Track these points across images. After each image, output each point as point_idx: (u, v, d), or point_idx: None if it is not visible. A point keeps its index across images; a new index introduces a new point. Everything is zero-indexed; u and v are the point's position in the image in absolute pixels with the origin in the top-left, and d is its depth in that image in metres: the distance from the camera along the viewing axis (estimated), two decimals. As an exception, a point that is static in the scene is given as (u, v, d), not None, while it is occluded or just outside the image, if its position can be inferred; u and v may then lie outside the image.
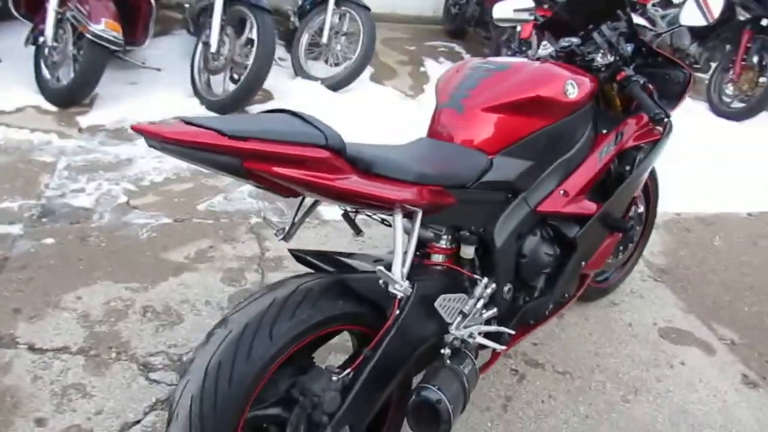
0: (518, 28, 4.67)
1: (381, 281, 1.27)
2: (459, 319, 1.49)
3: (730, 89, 4.86)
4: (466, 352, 1.50)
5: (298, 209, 1.54)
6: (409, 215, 1.36)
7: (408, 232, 1.37)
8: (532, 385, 2.01)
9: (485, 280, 1.54)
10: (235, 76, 3.86)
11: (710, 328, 2.39)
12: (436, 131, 1.63)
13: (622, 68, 1.77)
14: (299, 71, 4.41)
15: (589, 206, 1.71)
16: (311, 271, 1.47)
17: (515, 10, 2.08)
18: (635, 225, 2.16)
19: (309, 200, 1.56)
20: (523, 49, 4.74)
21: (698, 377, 2.13)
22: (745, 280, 2.75)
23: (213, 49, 3.72)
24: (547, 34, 2.04)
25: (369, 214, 1.59)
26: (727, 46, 4.95)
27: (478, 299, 1.53)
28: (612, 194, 1.77)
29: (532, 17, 2.11)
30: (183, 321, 2.11)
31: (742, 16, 4.63)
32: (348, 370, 1.30)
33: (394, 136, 3.53)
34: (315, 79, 4.33)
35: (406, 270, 1.28)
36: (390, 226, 1.80)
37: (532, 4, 2.08)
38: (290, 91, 4.15)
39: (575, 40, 1.84)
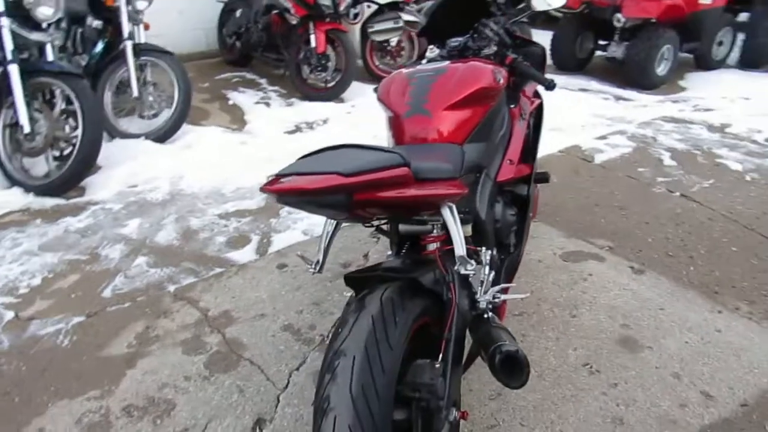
0: (312, 44, 4.96)
1: (457, 266, 1.45)
2: (480, 287, 1.72)
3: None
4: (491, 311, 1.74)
5: (323, 237, 1.63)
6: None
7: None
8: (506, 332, 2.32)
9: (483, 249, 1.79)
10: (56, 153, 3.52)
11: (590, 243, 2.96)
12: (408, 138, 1.80)
13: (507, 53, 2.14)
14: (114, 132, 4.13)
15: (525, 168, 2.06)
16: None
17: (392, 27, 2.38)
18: None
19: (330, 228, 1.66)
20: (322, 62, 5.05)
21: (605, 281, 2.66)
22: (589, 200, 3.42)
23: (27, 129, 3.33)
24: (425, 39, 2.35)
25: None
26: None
27: (485, 266, 1.78)
28: (530, 154, 2.15)
29: (401, 30, 2.43)
30: (176, 404, 2.00)
31: None
32: (440, 356, 1.46)
33: (250, 171, 3.59)
34: (135, 136, 4.11)
35: (465, 253, 1.48)
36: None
37: (402, 23, 2.40)
38: (116, 154, 3.88)
39: (462, 39, 2.17)
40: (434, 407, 1.40)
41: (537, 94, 2.40)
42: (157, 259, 2.85)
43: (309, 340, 2.30)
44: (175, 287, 2.64)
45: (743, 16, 6.64)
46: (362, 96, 5.27)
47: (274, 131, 4.50)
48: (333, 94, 5.19)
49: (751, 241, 3.01)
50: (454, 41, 2.17)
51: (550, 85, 2.06)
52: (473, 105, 1.82)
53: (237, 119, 4.80)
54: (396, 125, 1.85)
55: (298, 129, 4.61)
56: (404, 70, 1.98)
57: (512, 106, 2.13)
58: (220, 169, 3.78)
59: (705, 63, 6.41)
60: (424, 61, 2.22)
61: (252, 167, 3.82)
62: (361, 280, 1.54)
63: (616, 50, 5.83)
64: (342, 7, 4.97)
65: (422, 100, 1.80)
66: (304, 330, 2.35)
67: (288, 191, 1.16)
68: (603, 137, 4.40)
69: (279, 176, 1.24)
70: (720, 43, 6.41)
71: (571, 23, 6.14)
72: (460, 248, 1.46)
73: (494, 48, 2.15)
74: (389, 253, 1.96)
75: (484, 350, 1.59)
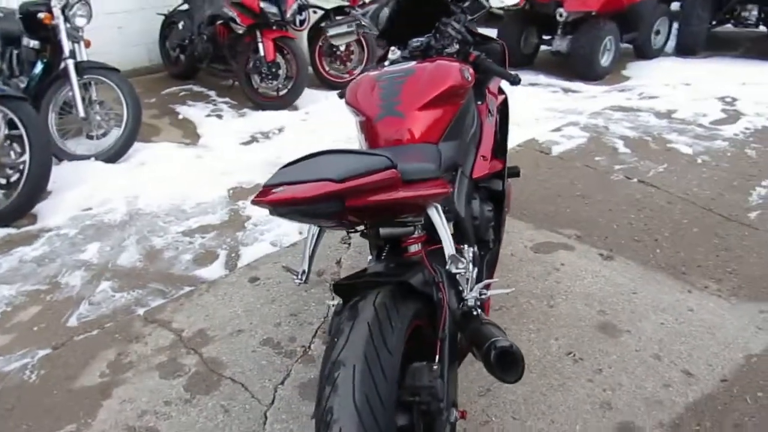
0: (261, 53, 4.88)
1: (449, 265, 1.44)
2: (466, 285, 1.72)
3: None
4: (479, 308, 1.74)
5: (308, 246, 1.59)
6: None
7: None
8: (487, 328, 2.33)
9: (465, 247, 1.79)
10: (3, 181, 3.35)
11: (558, 233, 3.01)
12: (383, 140, 1.78)
13: (470, 51, 2.15)
14: (61, 155, 3.95)
15: (498, 164, 2.07)
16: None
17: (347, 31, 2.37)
18: None
19: (313, 234, 1.62)
20: (273, 69, 4.97)
21: (578, 269, 2.70)
22: (551, 192, 3.48)
23: (-31, 158, 3.16)
24: (377, 42, 2.34)
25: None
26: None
27: (468, 263, 1.77)
28: (500, 149, 2.16)
29: (356, 33, 2.42)
30: (159, 431, 1.92)
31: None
32: (436, 357, 1.44)
33: (209, 186, 3.50)
34: (84, 157, 3.96)
35: (455, 252, 1.47)
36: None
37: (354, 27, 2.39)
38: (66, 178, 3.70)
39: (424, 39, 2.16)
40: (435, 410, 1.38)
41: (501, 90, 2.42)
42: (121, 282, 2.74)
43: (291, 352, 2.24)
44: (145, 310, 2.54)
45: (675, 5, 6.93)
46: (315, 102, 5.23)
47: (230, 143, 4.40)
48: (286, 102, 5.12)
49: (710, 221, 3.12)
50: (416, 41, 2.16)
51: (515, 80, 2.08)
52: (444, 104, 1.82)
53: (189, 133, 4.68)
54: (368, 128, 1.82)
55: (253, 139, 4.52)
56: (371, 73, 1.96)
57: (479, 102, 2.13)
58: (178, 186, 3.67)
59: (644, 52, 6.64)
60: (386, 63, 2.20)
61: (210, 181, 3.73)
62: (349, 287, 1.51)
63: (561, 44, 5.96)
64: (288, 14, 4.91)
65: (394, 101, 1.79)
66: (284, 343, 2.30)
67: (282, 201, 1.13)
68: (557, 129, 4.49)
69: (268, 187, 1.20)
70: (657, 32, 6.65)
71: (514, 20, 6.24)
72: (449, 248, 1.45)
73: (456, 46, 2.16)
74: (370, 258, 1.94)
75: (477, 347, 1.57)
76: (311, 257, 1.59)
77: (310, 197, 1.11)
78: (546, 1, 5.83)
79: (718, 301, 2.48)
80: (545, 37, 6.26)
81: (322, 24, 5.50)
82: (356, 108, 1.88)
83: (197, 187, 3.64)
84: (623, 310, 2.41)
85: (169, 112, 5.15)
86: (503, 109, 2.38)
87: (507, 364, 1.51)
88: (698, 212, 3.20)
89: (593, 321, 2.36)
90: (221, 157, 4.15)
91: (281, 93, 5.11)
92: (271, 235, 3.10)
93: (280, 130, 4.68)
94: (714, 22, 6.81)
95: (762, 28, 6.94)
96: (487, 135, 2.05)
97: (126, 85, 4.03)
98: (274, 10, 4.78)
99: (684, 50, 6.81)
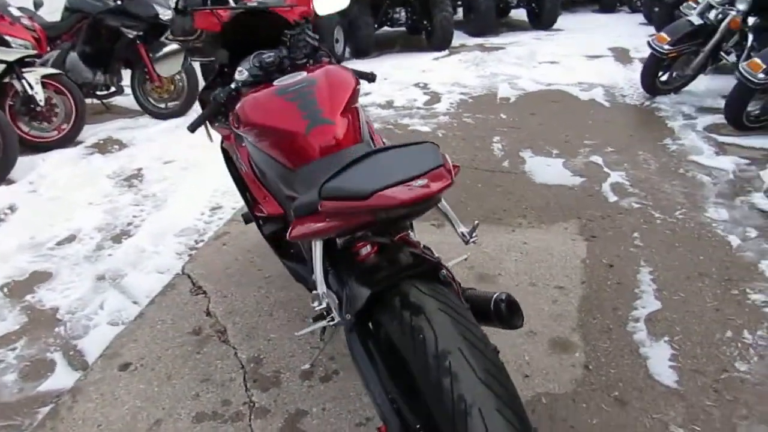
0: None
1: (469, 239, 1.55)
2: None
3: (155, 95, 5.51)
4: None
5: (318, 266, 1.52)
6: None
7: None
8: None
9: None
10: None
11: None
12: (317, 150, 1.73)
13: (322, 58, 2.19)
14: None
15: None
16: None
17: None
18: None
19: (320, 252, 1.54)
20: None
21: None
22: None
23: None
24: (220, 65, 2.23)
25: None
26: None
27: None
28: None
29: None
30: None
31: (130, 34, 5.21)
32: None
33: None
34: None
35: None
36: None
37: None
38: None
39: (273, 53, 2.11)
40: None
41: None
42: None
43: (236, 415, 2.00)
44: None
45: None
46: (34, 169, 4.43)
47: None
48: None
49: (484, 176, 3.74)
50: (268, 57, 2.11)
51: (373, 78, 2.22)
52: (352, 106, 1.88)
53: None
54: (296, 142, 1.76)
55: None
56: (265, 91, 1.89)
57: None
58: None
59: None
60: (232, 85, 2.10)
61: None
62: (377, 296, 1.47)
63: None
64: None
65: (316, 110, 1.77)
66: (220, 410, 2.03)
67: (421, 198, 1.18)
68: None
69: (370, 194, 1.15)
70: (337, 41, 7.39)
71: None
72: (460, 226, 1.58)
73: (306, 53, 2.19)
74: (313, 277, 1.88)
75: (481, 309, 1.69)
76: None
77: (440, 189, 1.14)
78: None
79: (535, 230, 3.04)
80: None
81: (4, 80, 4.65)
82: (271, 126, 1.78)
83: None
84: (484, 260, 2.79)
85: None
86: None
87: (514, 312, 1.69)
88: (471, 173, 3.81)
89: (471, 275, 2.67)
90: None
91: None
92: (102, 317, 2.62)
93: (11, 208, 3.83)
94: (377, 26, 7.89)
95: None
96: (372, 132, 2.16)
97: None
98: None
99: (359, 53, 7.73)
